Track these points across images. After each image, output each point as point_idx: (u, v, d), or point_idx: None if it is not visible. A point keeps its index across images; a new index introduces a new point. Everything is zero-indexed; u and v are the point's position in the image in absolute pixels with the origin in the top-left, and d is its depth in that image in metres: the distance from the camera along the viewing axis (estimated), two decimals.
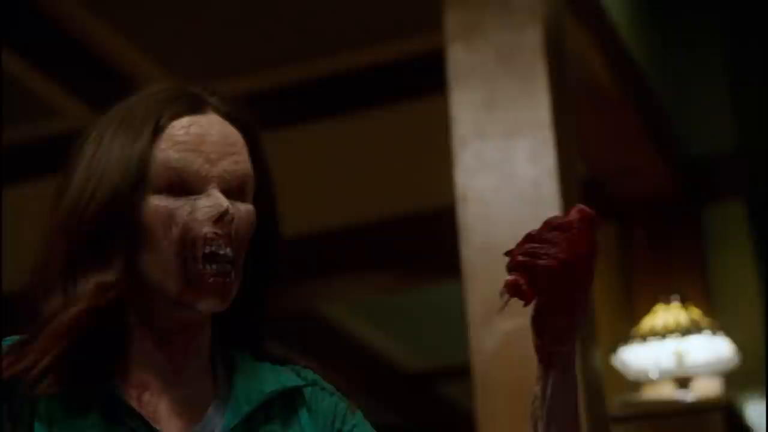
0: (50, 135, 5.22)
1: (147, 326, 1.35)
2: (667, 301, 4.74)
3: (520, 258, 1.26)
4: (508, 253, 1.28)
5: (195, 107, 1.37)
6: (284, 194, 1.44)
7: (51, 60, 4.87)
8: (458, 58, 3.21)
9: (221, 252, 1.32)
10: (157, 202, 1.32)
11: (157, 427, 1.31)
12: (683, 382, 4.66)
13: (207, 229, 1.31)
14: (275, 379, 1.38)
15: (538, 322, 1.28)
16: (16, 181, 5.32)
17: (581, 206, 1.28)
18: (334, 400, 1.41)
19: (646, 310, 4.78)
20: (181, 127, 1.35)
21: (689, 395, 4.59)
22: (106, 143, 1.35)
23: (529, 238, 1.27)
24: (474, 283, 3.03)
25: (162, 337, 1.35)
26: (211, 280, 1.31)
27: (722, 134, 5.13)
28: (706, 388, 4.70)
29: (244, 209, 1.35)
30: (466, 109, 3.17)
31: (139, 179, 1.32)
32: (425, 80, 4.38)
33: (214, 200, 1.32)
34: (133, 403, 1.31)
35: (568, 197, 3.07)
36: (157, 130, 1.35)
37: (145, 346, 1.35)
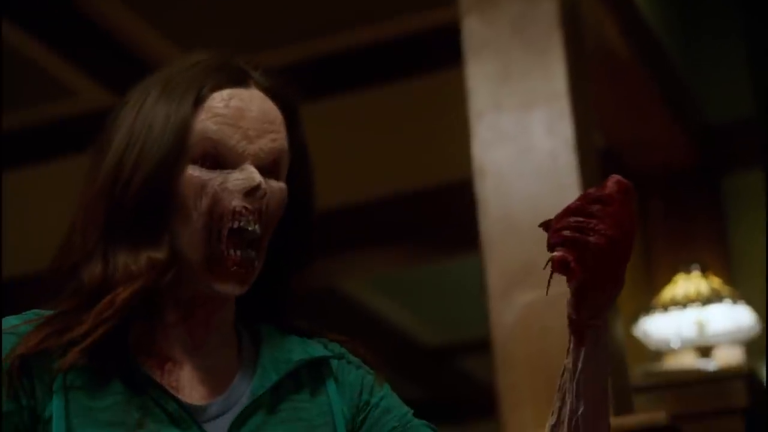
0: (63, 116, 5.22)
1: (171, 298, 1.34)
2: (688, 271, 4.73)
3: (567, 233, 1.22)
4: (544, 226, 1.24)
5: (237, 80, 1.37)
6: None
7: (62, 39, 4.85)
8: (473, 30, 3.20)
9: (249, 228, 1.31)
10: (191, 171, 1.32)
11: (179, 396, 1.30)
12: (705, 351, 4.66)
13: (236, 202, 1.31)
14: (303, 349, 1.38)
15: (579, 298, 1.24)
16: (19, 164, 5.33)
17: (618, 177, 1.24)
18: (361, 373, 1.41)
19: (667, 280, 4.78)
20: (222, 99, 1.35)
21: (711, 364, 4.57)
22: (147, 110, 1.34)
23: (570, 211, 1.23)
24: (493, 256, 3.02)
25: (185, 310, 1.35)
26: (234, 268, 1.31)
27: (741, 103, 5.10)
28: (728, 356, 4.69)
29: (276, 187, 1.35)
30: (482, 81, 3.15)
31: (181, 149, 1.32)
32: (440, 54, 4.37)
33: (247, 174, 1.32)
34: (156, 374, 1.31)
35: (585, 168, 3.06)
36: (198, 101, 1.34)
37: (167, 318, 1.34)
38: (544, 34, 3.14)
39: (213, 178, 1.32)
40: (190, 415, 1.30)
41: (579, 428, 1.26)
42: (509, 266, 2.99)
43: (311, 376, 1.38)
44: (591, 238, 1.21)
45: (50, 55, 4.88)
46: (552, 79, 3.10)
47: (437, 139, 5.10)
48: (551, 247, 1.23)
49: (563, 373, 1.27)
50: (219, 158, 1.32)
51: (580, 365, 1.25)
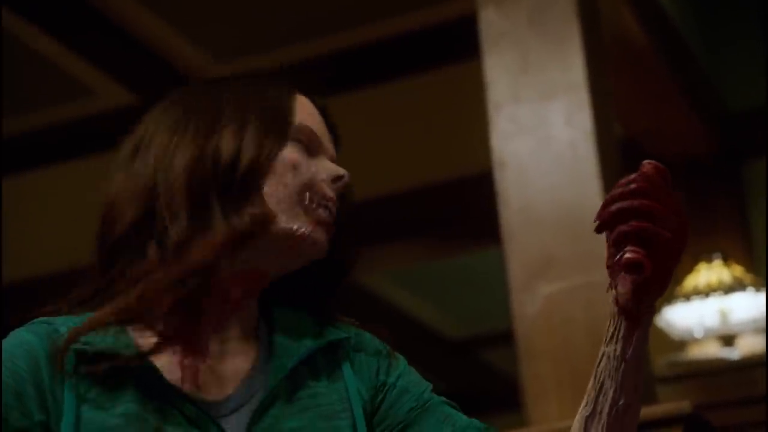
0: (82, 116, 5.23)
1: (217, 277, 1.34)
2: (709, 260, 4.72)
3: (634, 223, 1.19)
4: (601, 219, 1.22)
5: (308, 93, 1.46)
6: None
7: (78, 35, 4.85)
8: (490, 22, 3.20)
9: (332, 210, 1.39)
10: (290, 149, 1.38)
11: (197, 394, 1.30)
12: (728, 340, 4.65)
13: (328, 190, 1.39)
14: (317, 333, 1.39)
15: (642, 292, 1.23)
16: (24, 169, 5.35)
17: (654, 163, 1.24)
18: (377, 352, 1.41)
19: (689, 269, 4.77)
20: (305, 103, 1.44)
21: (734, 353, 4.57)
22: (236, 103, 1.39)
23: (620, 196, 1.21)
24: (514, 248, 3.02)
25: (223, 289, 1.34)
26: (326, 214, 1.38)
27: (759, 90, 5.08)
28: (751, 345, 4.68)
29: None
30: (500, 73, 3.15)
31: (288, 129, 1.39)
32: (458, 46, 4.36)
33: (333, 165, 1.41)
34: (172, 370, 1.30)
35: (605, 158, 3.05)
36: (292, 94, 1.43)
37: (203, 301, 1.33)
38: (562, 24, 3.14)
39: (306, 162, 1.39)
40: (208, 413, 1.29)
41: (619, 419, 1.24)
42: (530, 257, 2.99)
43: (327, 360, 1.38)
44: (662, 233, 1.20)
45: (63, 52, 4.88)
46: (570, 70, 3.10)
47: (456, 132, 5.10)
48: (618, 243, 1.20)
49: (601, 361, 1.24)
50: (310, 145, 1.40)
51: (630, 352, 1.23)
